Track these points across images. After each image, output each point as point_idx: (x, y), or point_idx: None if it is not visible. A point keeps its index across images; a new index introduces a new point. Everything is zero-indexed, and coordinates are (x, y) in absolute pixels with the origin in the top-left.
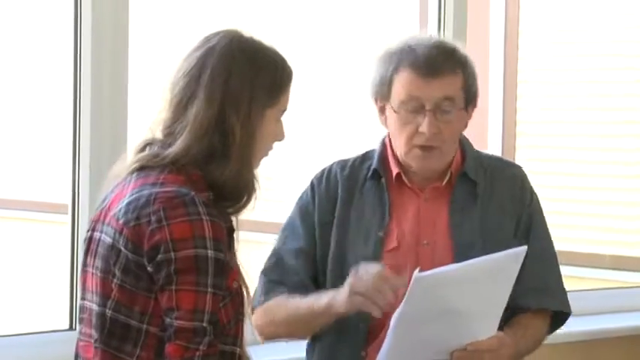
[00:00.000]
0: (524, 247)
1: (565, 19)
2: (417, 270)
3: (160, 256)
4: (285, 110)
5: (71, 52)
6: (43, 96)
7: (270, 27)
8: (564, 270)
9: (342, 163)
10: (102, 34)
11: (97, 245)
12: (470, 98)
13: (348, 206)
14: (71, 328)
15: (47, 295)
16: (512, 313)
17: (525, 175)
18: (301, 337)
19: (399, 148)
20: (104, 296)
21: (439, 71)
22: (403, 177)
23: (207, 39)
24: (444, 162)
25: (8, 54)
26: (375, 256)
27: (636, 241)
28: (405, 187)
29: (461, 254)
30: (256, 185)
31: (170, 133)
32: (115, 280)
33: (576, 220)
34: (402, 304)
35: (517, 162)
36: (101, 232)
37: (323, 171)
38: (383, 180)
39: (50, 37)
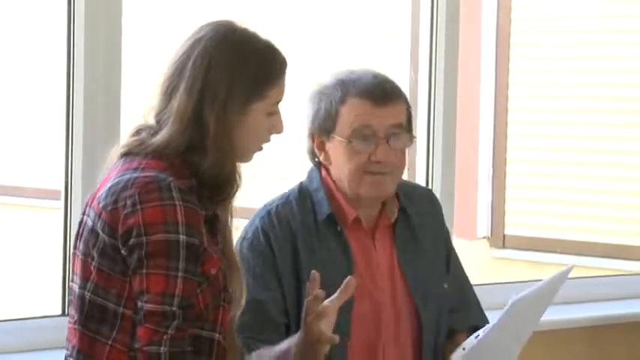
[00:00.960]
0: (572, 265)
1: (557, 20)
2: (514, 295)
3: (132, 240)
4: (277, 103)
5: (64, 40)
6: (36, 82)
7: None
8: (556, 258)
9: (285, 206)
10: (95, 20)
11: (83, 229)
12: (410, 125)
13: (312, 254)
14: (63, 313)
15: (40, 280)
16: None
17: (431, 190)
18: None
19: (348, 178)
20: (84, 278)
21: (389, 99)
22: (362, 221)
23: (200, 29)
24: (393, 189)
25: (3, 44)
26: (348, 306)
27: (629, 230)
28: (360, 232)
29: (417, 292)
30: (237, 178)
31: (158, 121)
32: (93, 263)
33: (568, 208)
34: (487, 332)
35: (509, 151)
36: (87, 215)
37: (269, 215)
38: (339, 227)
39: (43, 26)
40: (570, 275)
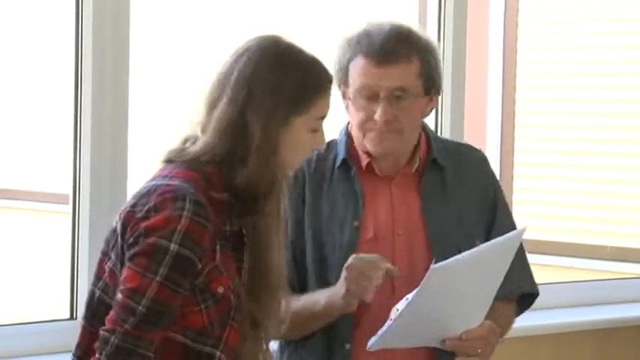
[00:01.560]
0: (524, 227)
1: (564, 11)
2: (432, 261)
3: (131, 240)
4: (321, 119)
5: (73, 45)
6: (45, 88)
7: (267, 23)
8: (565, 261)
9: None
10: (103, 25)
11: (110, 229)
12: (430, 84)
13: (318, 198)
14: (72, 317)
15: (48, 284)
16: None
17: (487, 157)
18: (296, 337)
19: (355, 133)
20: (97, 276)
21: (391, 60)
22: (374, 166)
23: (246, 42)
24: (405, 147)
25: (11, 47)
26: (352, 246)
27: (638, 233)
28: (376, 177)
29: (435, 243)
30: (274, 191)
31: (203, 131)
32: (108, 263)
33: (577, 211)
34: (414, 293)
35: (516, 153)
36: (116, 217)
37: None
38: (353, 170)
39: (52, 32)
40: (579, 278)
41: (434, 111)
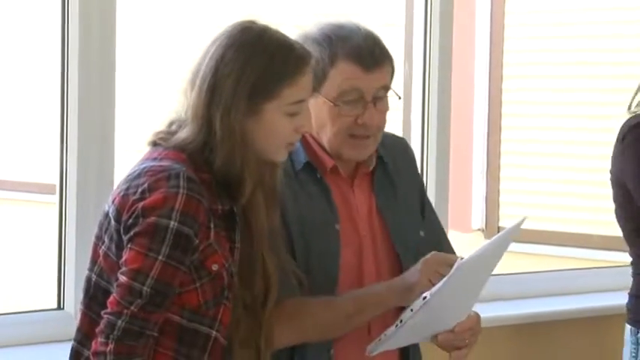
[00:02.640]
0: (524, 217)
1: (548, 9)
2: (459, 258)
3: (130, 221)
4: (298, 103)
5: (59, 36)
6: (31, 78)
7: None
8: (554, 250)
9: None
10: (90, 12)
11: (102, 214)
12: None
13: (294, 201)
14: (59, 307)
15: (36, 275)
16: None
17: (408, 143)
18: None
19: (331, 138)
20: (92, 261)
21: (379, 62)
22: (339, 169)
23: (223, 29)
24: (374, 149)
25: None
26: (336, 251)
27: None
28: (339, 178)
29: (397, 241)
30: (247, 177)
31: (185, 116)
32: (102, 247)
33: (563, 200)
34: (433, 292)
35: (503, 144)
36: (108, 201)
37: None
38: (319, 173)
39: (38, 22)
40: (567, 267)
41: (419, 113)
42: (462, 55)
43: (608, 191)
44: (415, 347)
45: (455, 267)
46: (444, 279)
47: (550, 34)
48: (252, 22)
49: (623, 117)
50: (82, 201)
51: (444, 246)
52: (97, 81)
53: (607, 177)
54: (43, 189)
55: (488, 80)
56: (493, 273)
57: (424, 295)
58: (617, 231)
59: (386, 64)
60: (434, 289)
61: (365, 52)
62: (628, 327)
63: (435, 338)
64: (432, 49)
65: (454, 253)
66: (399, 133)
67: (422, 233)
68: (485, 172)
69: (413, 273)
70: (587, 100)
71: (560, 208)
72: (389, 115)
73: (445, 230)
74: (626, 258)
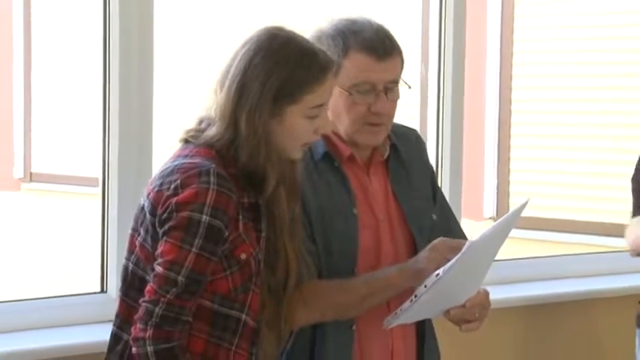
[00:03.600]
0: (528, 199)
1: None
2: (470, 237)
3: (164, 215)
4: (318, 107)
5: (101, 40)
6: (74, 78)
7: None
8: (562, 237)
9: None
10: (129, 19)
11: (138, 207)
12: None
13: (314, 191)
14: (102, 290)
15: (81, 261)
16: None
17: (419, 133)
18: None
19: (346, 126)
20: (130, 251)
21: (390, 54)
22: (356, 156)
23: (252, 33)
24: (386, 136)
25: (45, 43)
26: (354, 234)
27: (619, 210)
28: (356, 166)
29: (413, 225)
30: (269, 174)
31: (214, 114)
32: (138, 239)
33: (569, 190)
34: (446, 269)
35: (512, 139)
36: (143, 196)
37: None
38: (337, 161)
39: (82, 26)
40: (573, 252)
41: (434, 110)
42: (474, 55)
43: (610, 181)
44: (432, 345)
45: (466, 246)
46: (456, 257)
47: (558, 36)
48: (280, 29)
49: (631, 113)
50: (122, 193)
51: (455, 229)
52: (136, 81)
53: (608, 168)
54: (88, 182)
55: (498, 79)
56: (508, 258)
57: (437, 272)
58: (618, 218)
59: (396, 56)
60: (446, 266)
61: (376, 44)
62: None
63: (447, 313)
64: (446, 51)
65: (464, 235)
66: (417, 128)
67: (434, 217)
68: (497, 164)
69: (422, 259)
70: (591, 96)
71: (565, 198)
72: (407, 111)
73: (458, 217)
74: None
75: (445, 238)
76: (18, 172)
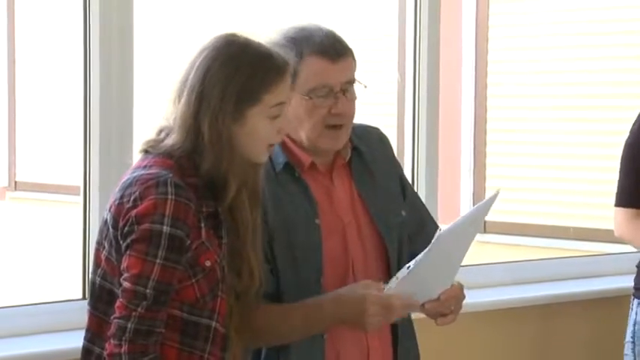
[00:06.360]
0: (499, 190)
1: (532, 10)
2: (438, 230)
3: (126, 229)
4: (278, 105)
5: (81, 46)
6: (57, 88)
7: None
8: (537, 241)
9: None
10: (109, 25)
11: (102, 221)
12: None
13: (276, 203)
14: (84, 297)
15: (63, 268)
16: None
17: (383, 132)
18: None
19: (308, 131)
20: (96, 264)
21: (343, 55)
22: (316, 163)
23: (208, 40)
24: (347, 138)
25: (29, 53)
26: (317, 245)
27: (598, 215)
28: (317, 174)
29: (381, 224)
30: (231, 180)
31: (173, 123)
32: (104, 252)
33: (543, 196)
34: (417, 261)
35: (488, 146)
36: (106, 209)
37: None
38: (297, 171)
39: (64, 36)
40: (548, 256)
41: (410, 117)
42: (449, 64)
43: (582, 187)
44: (408, 344)
45: (435, 238)
46: (426, 249)
47: (532, 45)
48: (235, 35)
49: (606, 121)
50: (103, 202)
51: (427, 220)
52: (117, 91)
53: (581, 175)
54: (73, 190)
55: (474, 87)
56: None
57: (408, 265)
58: (589, 223)
59: (349, 56)
60: (417, 258)
61: (328, 47)
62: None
63: (422, 307)
64: (420, 59)
65: (437, 227)
66: (394, 137)
67: (403, 213)
68: (473, 170)
69: (358, 312)
70: (567, 104)
71: (541, 203)
72: (384, 120)
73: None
74: (598, 248)
75: (373, 293)
76: (3, 180)
